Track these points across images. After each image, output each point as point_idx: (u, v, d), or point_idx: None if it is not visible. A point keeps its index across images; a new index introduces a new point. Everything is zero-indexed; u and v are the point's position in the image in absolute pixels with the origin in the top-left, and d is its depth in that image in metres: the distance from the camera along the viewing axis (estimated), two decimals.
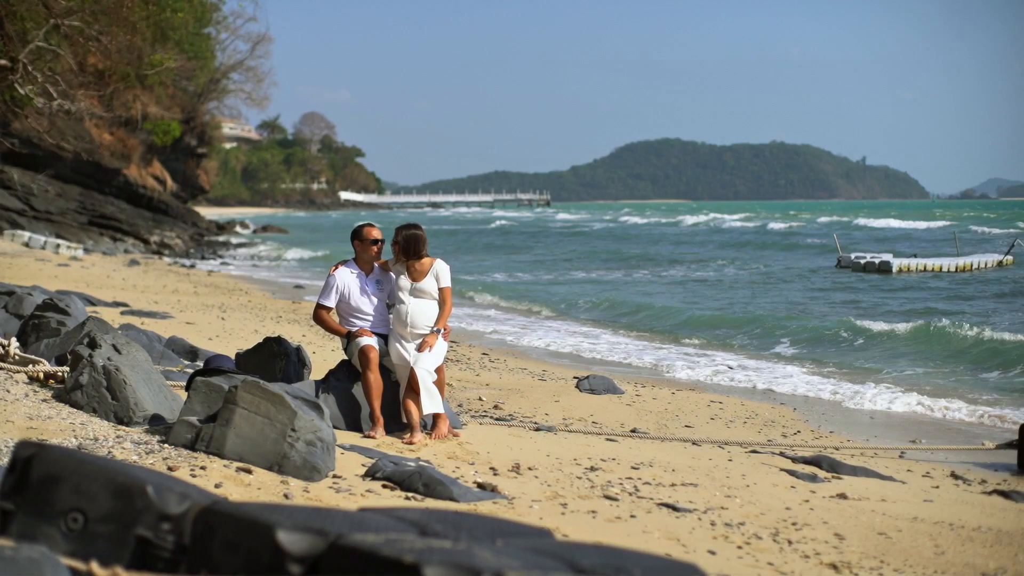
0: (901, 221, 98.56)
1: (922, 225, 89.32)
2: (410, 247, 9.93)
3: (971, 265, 43.56)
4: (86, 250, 43.77)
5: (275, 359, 10.43)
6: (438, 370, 9.81)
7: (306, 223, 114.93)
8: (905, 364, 18.78)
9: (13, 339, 9.87)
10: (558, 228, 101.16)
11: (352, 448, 8.48)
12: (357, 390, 9.84)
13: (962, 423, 13.81)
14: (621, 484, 8.30)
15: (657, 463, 9.37)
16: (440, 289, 9.95)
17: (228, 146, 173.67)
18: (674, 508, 7.56)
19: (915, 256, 47.24)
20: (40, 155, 48.16)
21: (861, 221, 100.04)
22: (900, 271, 41.10)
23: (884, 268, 41.20)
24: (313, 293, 28.74)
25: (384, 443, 9.22)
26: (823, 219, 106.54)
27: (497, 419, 11.67)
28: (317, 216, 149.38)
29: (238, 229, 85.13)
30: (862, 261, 42.62)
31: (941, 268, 42.54)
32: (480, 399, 13.20)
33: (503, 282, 38.82)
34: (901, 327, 21.85)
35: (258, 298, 27.85)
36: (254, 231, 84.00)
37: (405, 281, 9.91)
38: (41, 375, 9.31)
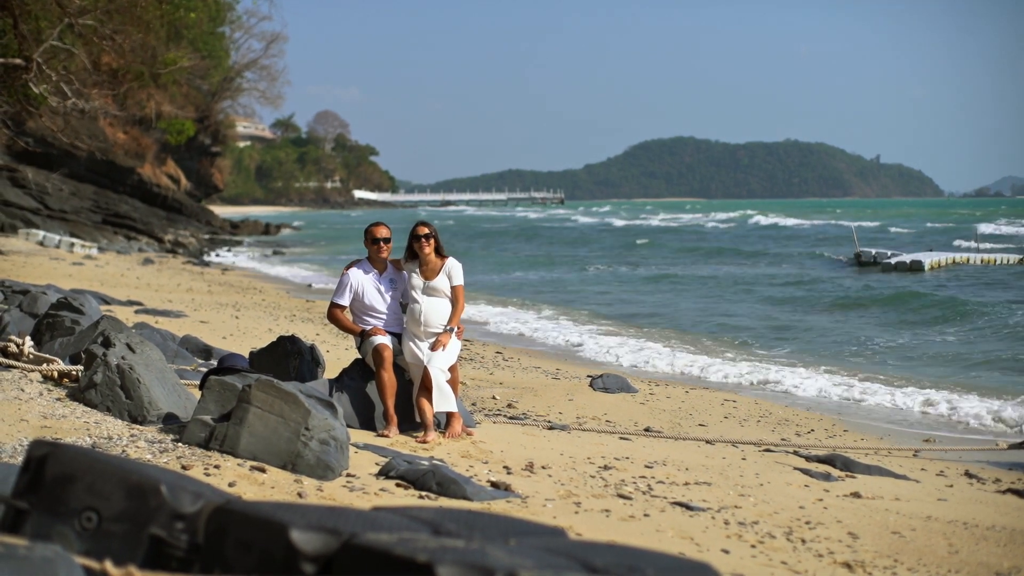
0: (818, 220, 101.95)
1: (866, 224, 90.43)
2: (409, 245, 10.02)
3: (994, 260, 43.90)
4: (100, 249, 43.85)
5: (289, 358, 10.45)
6: (451, 369, 9.82)
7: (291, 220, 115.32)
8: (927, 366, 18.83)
9: (27, 338, 9.90)
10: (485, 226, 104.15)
11: (366, 447, 8.49)
12: (371, 389, 9.85)
13: (977, 422, 13.76)
14: (635, 483, 8.29)
15: (671, 462, 9.36)
16: (452, 287, 9.96)
17: (242, 145, 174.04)
18: (688, 507, 7.55)
19: (931, 250, 48.06)
20: (54, 154, 48.38)
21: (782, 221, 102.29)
22: (932, 268, 41.19)
23: (916, 267, 41.21)
24: (327, 292, 28.79)
25: (398, 442, 9.23)
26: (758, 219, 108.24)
27: (511, 418, 11.67)
28: (296, 214, 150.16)
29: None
30: (893, 261, 42.62)
31: (968, 260, 42.89)
32: (494, 398, 13.20)
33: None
34: None
35: (272, 297, 27.89)
36: (267, 230, 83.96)
37: (418, 280, 9.92)
38: (55, 374, 9.33)
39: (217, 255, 51.07)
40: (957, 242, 59.44)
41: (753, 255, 54.35)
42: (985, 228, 74.69)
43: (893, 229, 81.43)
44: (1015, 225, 78.76)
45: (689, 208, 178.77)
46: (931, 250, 49.49)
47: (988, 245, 54.74)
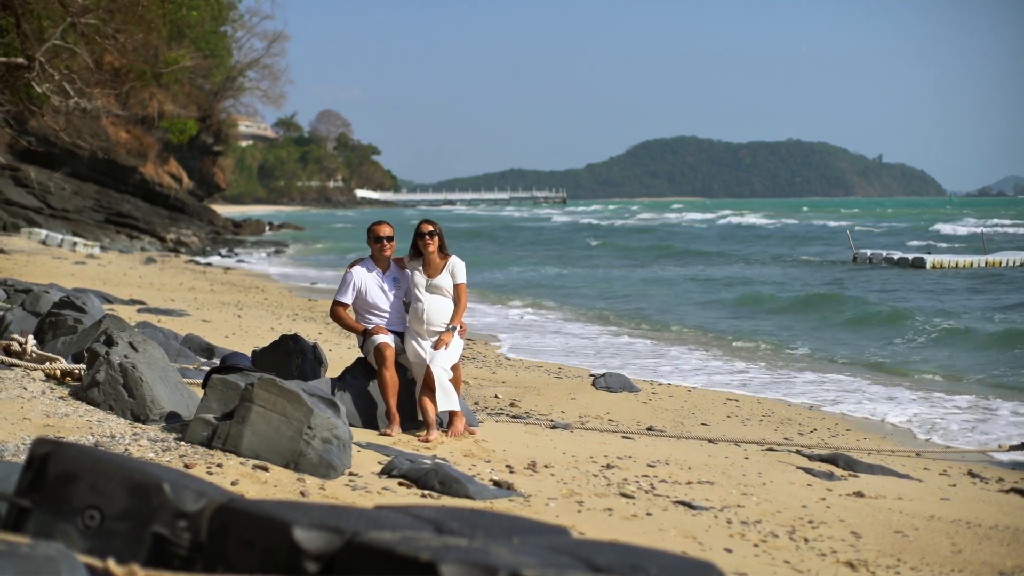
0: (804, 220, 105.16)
1: (831, 223, 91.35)
2: (413, 243, 10.03)
3: (999, 262, 43.82)
4: (102, 248, 43.87)
5: (291, 357, 10.44)
6: (454, 368, 9.81)
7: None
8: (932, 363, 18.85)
9: (30, 337, 9.91)
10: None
11: (368, 446, 8.48)
12: (373, 388, 9.85)
13: (979, 423, 13.74)
14: (637, 482, 8.28)
15: (673, 461, 9.35)
16: (455, 286, 9.95)
17: (244, 144, 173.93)
18: (690, 506, 7.55)
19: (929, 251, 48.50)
20: (57, 153, 48.38)
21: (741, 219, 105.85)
22: (934, 267, 41.44)
23: (918, 264, 41.55)
24: (329, 291, 28.79)
25: (400, 441, 9.22)
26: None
27: (513, 417, 11.66)
28: (297, 214, 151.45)
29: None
30: (895, 257, 42.92)
31: (972, 264, 42.90)
32: (496, 397, 13.19)
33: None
34: None
35: (275, 296, 27.89)
36: (269, 228, 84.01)
37: (421, 278, 9.91)
38: (58, 373, 9.34)
39: (220, 255, 51.02)
40: (912, 242, 61.19)
41: (735, 256, 54.35)
42: (944, 228, 75.71)
43: (858, 228, 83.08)
44: (975, 227, 78.89)
45: (678, 208, 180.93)
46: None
47: (944, 244, 55.55)
